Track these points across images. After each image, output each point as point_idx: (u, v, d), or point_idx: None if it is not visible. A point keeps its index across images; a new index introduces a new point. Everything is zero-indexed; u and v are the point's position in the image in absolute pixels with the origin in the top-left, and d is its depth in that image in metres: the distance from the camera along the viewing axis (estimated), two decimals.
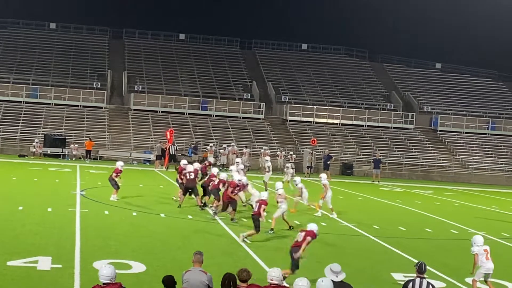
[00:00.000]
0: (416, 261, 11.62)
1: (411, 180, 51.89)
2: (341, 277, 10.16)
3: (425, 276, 10.93)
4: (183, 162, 27.10)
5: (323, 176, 27.21)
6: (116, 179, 25.92)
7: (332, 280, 9.99)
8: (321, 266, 10.39)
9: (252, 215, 19.52)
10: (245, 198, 25.59)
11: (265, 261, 16.36)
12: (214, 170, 26.27)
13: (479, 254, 14.48)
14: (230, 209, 22.65)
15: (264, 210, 19.37)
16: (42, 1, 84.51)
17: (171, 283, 9.40)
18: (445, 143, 61.48)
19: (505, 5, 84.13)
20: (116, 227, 20.32)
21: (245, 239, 18.87)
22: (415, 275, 11.08)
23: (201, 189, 26.02)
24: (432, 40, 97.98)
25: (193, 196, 25.56)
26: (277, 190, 21.83)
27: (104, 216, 22.24)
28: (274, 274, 9.79)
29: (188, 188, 25.23)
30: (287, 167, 37.14)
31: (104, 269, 9.42)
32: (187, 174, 25.13)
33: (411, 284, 10.74)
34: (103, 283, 9.31)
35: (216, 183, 24.77)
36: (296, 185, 26.18)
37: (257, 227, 19.05)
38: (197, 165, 26.59)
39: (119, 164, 26.52)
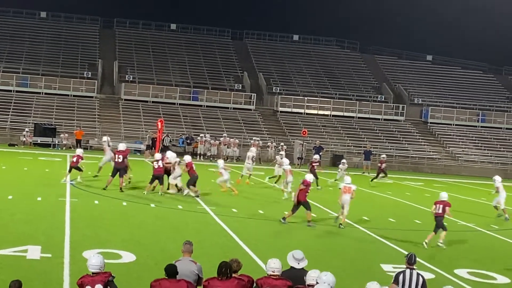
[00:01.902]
0: (406, 253, 11.65)
1: (401, 172, 51.99)
2: (302, 264, 10.08)
3: (415, 267, 10.96)
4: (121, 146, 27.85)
5: (285, 161, 27.94)
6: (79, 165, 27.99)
7: (292, 267, 10.00)
8: (311, 258, 10.36)
9: (436, 216, 19.26)
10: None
11: (255, 252, 16.38)
12: (158, 155, 27.14)
13: None
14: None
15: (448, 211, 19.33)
16: None
17: (173, 271, 9.41)
18: (435, 135, 61.65)
19: None
20: (106, 216, 20.30)
21: (439, 243, 19.12)
22: (404, 266, 11.12)
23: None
24: (423, 32, 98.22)
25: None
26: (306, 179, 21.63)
27: (94, 206, 22.21)
28: (275, 265, 9.68)
29: (117, 169, 26.18)
30: (343, 162, 36.89)
31: (93, 259, 9.41)
32: (115, 157, 26.28)
33: (401, 275, 10.76)
34: (92, 273, 9.30)
35: (160, 165, 25.82)
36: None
37: (443, 227, 19.20)
38: (188, 158, 26.77)
39: (80, 152, 28.69)
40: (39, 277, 12.85)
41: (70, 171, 27.88)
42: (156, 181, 26.01)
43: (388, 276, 14.68)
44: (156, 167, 25.83)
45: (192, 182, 25.94)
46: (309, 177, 21.57)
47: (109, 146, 29.61)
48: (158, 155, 26.90)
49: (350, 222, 22.58)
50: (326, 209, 25.36)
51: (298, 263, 10.08)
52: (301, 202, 21.06)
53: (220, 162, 28.60)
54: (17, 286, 8.52)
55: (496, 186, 27.61)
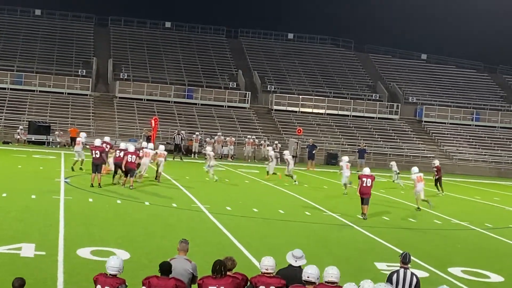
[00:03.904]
0: (400, 251, 11.62)
1: None
2: (300, 263, 10.06)
3: (409, 266, 10.88)
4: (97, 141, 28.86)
5: (208, 148, 31.96)
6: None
7: (290, 265, 10.02)
8: (305, 256, 10.35)
9: None
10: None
11: (250, 250, 16.40)
12: (122, 145, 28.36)
13: None
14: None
15: None
16: None
17: (166, 269, 9.40)
18: (429, 134, 61.75)
19: None
20: (100, 214, 20.28)
21: None
22: (398, 264, 11.06)
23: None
24: (418, 31, 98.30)
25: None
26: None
27: (88, 204, 22.19)
28: (268, 263, 9.68)
29: (95, 165, 26.52)
30: (391, 165, 37.76)
31: (112, 260, 9.34)
32: (93, 153, 26.67)
33: (395, 275, 10.58)
34: (110, 274, 9.25)
35: (121, 155, 26.87)
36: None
37: None
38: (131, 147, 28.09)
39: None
40: (33, 275, 12.81)
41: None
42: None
43: (382, 275, 14.70)
44: (94, 155, 26.66)
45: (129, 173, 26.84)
46: (367, 170, 24.07)
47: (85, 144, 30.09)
48: (98, 141, 28.44)
49: (344, 221, 22.64)
50: (320, 207, 25.40)
51: (296, 261, 10.08)
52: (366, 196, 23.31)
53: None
54: (19, 283, 8.50)
55: (341, 165, 31.20)
